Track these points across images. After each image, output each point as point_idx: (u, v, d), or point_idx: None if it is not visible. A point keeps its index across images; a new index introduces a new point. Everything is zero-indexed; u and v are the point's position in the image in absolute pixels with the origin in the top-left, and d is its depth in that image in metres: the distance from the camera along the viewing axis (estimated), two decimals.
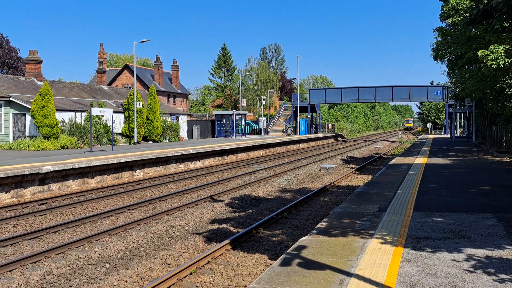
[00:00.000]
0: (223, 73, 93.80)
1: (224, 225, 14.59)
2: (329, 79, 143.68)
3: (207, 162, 34.36)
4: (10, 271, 10.13)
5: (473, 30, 26.96)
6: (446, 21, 30.02)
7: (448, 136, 65.87)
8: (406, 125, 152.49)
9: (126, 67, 66.90)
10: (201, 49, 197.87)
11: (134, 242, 12.56)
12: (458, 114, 67.74)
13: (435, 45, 32.18)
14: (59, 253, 11.43)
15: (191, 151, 31.60)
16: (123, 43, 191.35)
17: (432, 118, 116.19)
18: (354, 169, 29.97)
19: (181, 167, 30.85)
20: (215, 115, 62.07)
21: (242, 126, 61.80)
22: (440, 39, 32.29)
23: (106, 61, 53.84)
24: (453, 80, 41.34)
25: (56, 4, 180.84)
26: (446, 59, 33.90)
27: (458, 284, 6.86)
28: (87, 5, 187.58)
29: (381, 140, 76.70)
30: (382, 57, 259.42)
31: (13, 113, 35.02)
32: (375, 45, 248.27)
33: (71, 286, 9.42)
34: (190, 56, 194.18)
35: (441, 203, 13.47)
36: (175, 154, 29.74)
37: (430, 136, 76.91)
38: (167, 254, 11.51)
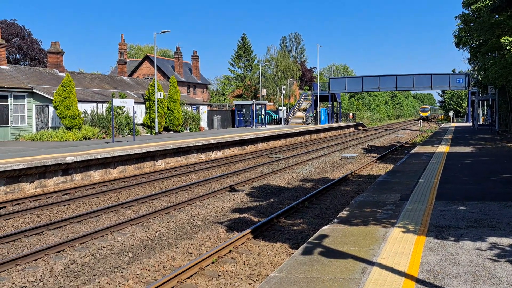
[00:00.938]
0: (242, 63, 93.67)
1: (245, 214, 14.64)
2: (350, 68, 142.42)
3: (228, 152, 34.45)
4: (35, 260, 10.32)
5: (497, 16, 26.42)
6: (469, 8, 29.46)
7: (471, 124, 64.96)
8: (422, 114, 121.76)
9: (147, 58, 67.22)
10: (221, 39, 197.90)
11: (156, 232, 12.68)
12: (480, 102, 66.64)
13: (457, 32, 31.65)
14: (83, 243, 11.60)
15: (212, 141, 31.70)
16: (144, 34, 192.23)
17: (454, 106, 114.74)
18: (375, 158, 29.76)
19: (202, 157, 30.99)
20: (235, 105, 62.10)
21: (262, 116, 61.72)
22: (462, 26, 31.74)
23: (126, 52, 54.18)
24: (476, 68, 40.67)
25: None
26: (468, 46, 33.35)
27: (481, 273, 6.78)
28: None
29: (403, 129, 75.95)
30: (403, 45, 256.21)
31: (36, 105, 35.51)
32: (396, 33, 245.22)
33: (94, 275, 9.56)
34: (210, 46, 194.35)
35: (464, 191, 13.31)
36: (196, 144, 29.88)
37: (452, 124, 75.93)
38: (189, 243, 11.60)
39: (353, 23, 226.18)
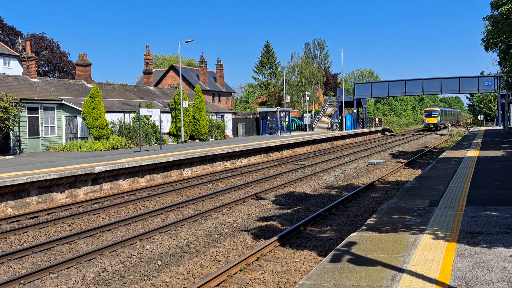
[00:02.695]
0: (266, 70, 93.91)
1: (271, 222, 14.64)
2: (375, 73, 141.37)
3: (253, 159, 34.52)
4: (67, 268, 10.51)
5: None
6: (497, 10, 29.02)
7: (501, 127, 63.69)
8: (427, 120, 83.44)
9: (172, 68, 67.96)
10: (244, 47, 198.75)
11: (184, 239, 12.78)
12: (511, 104, 65.37)
13: (485, 34, 31.17)
14: (113, 251, 11.76)
15: (237, 149, 31.82)
16: (168, 44, 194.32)
17: (484, 109, 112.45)
18: (403, 163, 29.43)
19: (228, 164, 31.12)
20: (260, 112, 62.20)
21: (287, 122, 61.68)
22: (490, 28, 31.25)
23: (152, 63, 54.87)
24: (505, 70, 39.94)
25: (103, 8, 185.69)
26: (497, 48, 32.78)
27: None
28: (132, 8, 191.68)
29: (430, 134, 74.90)
30: (430, 48, 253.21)
31: (65, 116, 36.21)
32: (422, 36, 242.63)
33: (125, 283, 9.68)
34: (234, 55, 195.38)
35: (495, 196, 13.06)
36: (222, 152, 30.03)
37: (482, 128, 74.58)
38: (216, 251, 11.66)
39: (377, 28, 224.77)
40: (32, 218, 16.09)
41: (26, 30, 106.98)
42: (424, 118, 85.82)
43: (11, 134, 31.57)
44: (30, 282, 9.64)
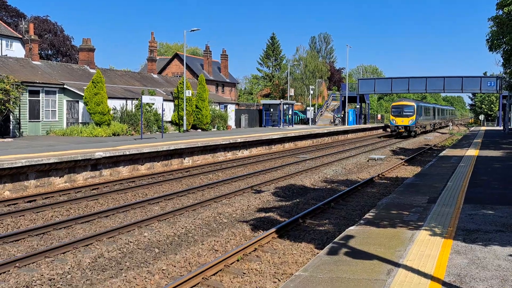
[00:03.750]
0: (271, 62, 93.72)
1: (270, 214, 14.66)
2: (379, 69, 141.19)
3: (255, 151, 34.52)
4: (63, 253, 10.53)
5: None
6: (502, 10, 28.87)
7: (501, 128, 63.60)
8: (396, 121, 55.71)
9: (176, 56, 67.82)
10: (250, 38, 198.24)
11: (182, 228, 12.81)
12: None
13: (490, 35, 31.03)
14: (110, 237, 11.79)
15: (239, 140, 31.81)
16: (174, 32, 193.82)
17: (485, 109, 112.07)
18: (403, 160, 29.43)
19: (229, 155, 31.13)
20: (263, 104, 62.15)
21: (290, 115, 61.65)
22: (495, 28, 31.11)
23: (156, 50, 54.74)
24: (508, 71, 39.81)
25: None
26: (501, 49, 32.64)
27: (509, 278, 6.67)
28: None
29: (431, 132, 74.81)
30: (434, 46, 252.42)
31: (67, 100, 36.21)
32: (427, 34, 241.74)
33: (121, 269, 9.71)
34: (239, 45, 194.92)
35: (493, 195, 13.07)
36: (223, 143, 30.03)
37: (482, 128, 74.49)
38: (214, 241, 11.68)
39: (383, 25, 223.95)
40: (30, 201, 16.12)
41: (30, 12, 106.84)
42: (391, 117, 56.23)
43: (11, 117, 31.58)
44: (25, 265, 9.67)
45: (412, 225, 9.80)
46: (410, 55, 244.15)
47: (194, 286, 8.72)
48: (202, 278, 8.95)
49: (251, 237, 12.14)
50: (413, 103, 56.78)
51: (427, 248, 8.08)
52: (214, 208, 15.26)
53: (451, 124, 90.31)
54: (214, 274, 9.30)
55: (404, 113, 54.81)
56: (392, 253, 7.85)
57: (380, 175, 22.82)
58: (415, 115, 54.68)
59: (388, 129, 60.59)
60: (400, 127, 54.41)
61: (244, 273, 9.48)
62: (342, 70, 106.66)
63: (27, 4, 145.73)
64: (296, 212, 14.73)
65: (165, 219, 13.69)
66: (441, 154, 27.44)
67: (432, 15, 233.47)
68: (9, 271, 9.32)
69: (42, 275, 9.13)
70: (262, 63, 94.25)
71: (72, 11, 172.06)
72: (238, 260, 10.14)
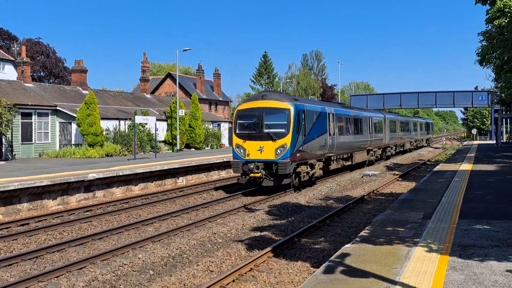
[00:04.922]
0: (264, 80, 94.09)
1: (265, 233, 14.58)
2: (371, 85, 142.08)
3: None
4: (56, 277, 10.40)
5: None
6: (491, 24, 29.23)
7: (494, 142, 63.95)
8: (245, 148, 21.10)
9: (169, 76, 67.97)
10: (242, 57, 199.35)
11: (177, 249, 12.70)
12: (504, 119, 65.69)
13: (480, 50, 31.37)
14: (104, 260, 11.67)
15: None
16: (166, 52, 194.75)
17: (478, 124, 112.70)
18: (398, 176, 29.46)
19: (223, 174, 31.04)
20: None
21: None
22: (485, 43, 31.48)
23: (149, 70, 54.87)
24: (499, 85, 40.20)
25: (101, 15, 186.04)
26: (492, 64, 32.98)
27: None
28: (130, 15, 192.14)
29: (424, 146, 75.07)
30: (425, 62, 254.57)
31: (59, 122, 36.10)
32: (418, 50, 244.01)
33: None
34: (231, 64, 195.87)
35: (488, 210, 13.08)
36: (217, 161, 29.96)
37: (475, 142, 74.85)
38: (209, 261, 11.58)
39: (374, 41, 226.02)
40: (23, 225, 15.97)
41: (22, 35, 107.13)
42: (235, 139, 22.09)
43: (3, 140, 31.41)
44: None
45: (408, 241, 9.76)
46: (401, 71, 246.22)
47: None
48: None
49: (246, 256, 12.05)
50: (287, 105, 21.76)
51: (423, 265, 8.04)
52: (209, 228, 15.16)
53: (444, 138, 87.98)
54: None
55: (264, 130, 21.56)
56: (388, 270, 7.80)
57: (375, 191, 22.80)
58: (290, 135, 21.28)
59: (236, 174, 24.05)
60: (252, 169, 21.22)
61: None
62: (335, 87, 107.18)
63: (19, 27, 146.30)
64: (291, 231, 14.65)
65: (159, 240, 13.58)
66: (435, 169, 27.50)
67: (423, 31, 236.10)
68: None
69: None
70: (255, 81, 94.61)
71: (64, 33, 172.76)
72: (233, 281, 10.05)
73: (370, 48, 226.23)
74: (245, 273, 10.53)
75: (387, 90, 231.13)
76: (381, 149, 41.26)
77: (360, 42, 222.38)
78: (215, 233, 14.48)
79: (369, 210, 18.17)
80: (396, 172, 32.53)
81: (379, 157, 40.36)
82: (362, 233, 10.81)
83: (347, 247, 9.52)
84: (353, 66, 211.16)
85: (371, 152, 36.52)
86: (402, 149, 51.45)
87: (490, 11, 29.08)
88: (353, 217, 16.80)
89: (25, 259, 11.68)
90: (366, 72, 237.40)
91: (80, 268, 10.97)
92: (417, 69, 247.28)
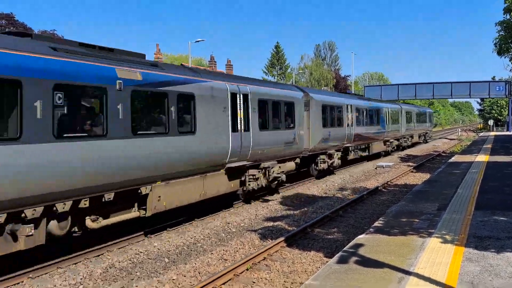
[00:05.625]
0: (276, 71, 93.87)
1: (278, 223, 14.64)
2: (385, 76, 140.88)
3: None
4: (75, 264, 10.58)
5: None
6: (509, 13, 28.87)
7: (511, 133, 63.31)
8: None
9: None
10: (254, 47, 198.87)
11: (191, 238, 12.81)
12: None
13: (497, 40, 31.00)
14: (121, 247, 11.82)
15: None
16: (178, 43, 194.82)
17: (495, 114, 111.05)
18: (412, 167, 29.33)
19: None
20: None
21: None
22: (503, 33, 31.09)
23: (162, 61, 55.07)
24: None
25: (114, 6, 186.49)
26: (510, 53, 32.58)
27: None
28: (142, 6, 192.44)
29: (440, 138, 74.54)
30: (441, 52, 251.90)
31: None
32: (433, 40, 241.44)
33: (132, 279, 9.73)
34: (243, 55, 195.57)
35: (504, 202, 12.99)
36: None
37: (492, 133, 74.13)
38: (223, 250, 11.68)
39: (388, 30, 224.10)
40: None
41: (37, 27, 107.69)
42: None
43: None
44: (38, 277, 9.71)
45: (422, 232, 9.76)
46: (416, 62, 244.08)
47: None
48: (212, 287, 8.95)
49: (260, 246, 12.13)
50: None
51: (438, 256, 8.04)
52: (223, 218, 15.26)
53: (459, 130, 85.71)
54: (224, 284, 9.30)
55: None
56: (402, 261, 7.82)
57: (389, 182, 22.75)
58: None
59: None
60: None
61: (253, 282, 9.47)
62: (348, 78, 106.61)
63: (34, 19, 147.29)
64: (304, 221, 14.70)
65: (174, 229, 13.71)
66: (450, 160, 27.33)
67: (439, 21, 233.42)
68: (22, 281, 9.37)
69: (55, 286, 9.19)
70: (267, 72, 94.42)
71: (78, 24, 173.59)
72: (247, 269, 10.14)
73: (384, 38, 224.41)
74: (259, 262, 10.61)
75: (402, 80, 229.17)
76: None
77: (374, 32, 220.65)
78: (228, 223, 14.58)
79: (383, 201, 18.14)
80: (411, 164, 32.39)
81: (395, 148, 40.45)
82: (376, 224, 10.83)
83: (360, 238, 9.55)
84: (367, 56, 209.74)
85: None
86: (419, 140, 53.12)
87: (507, 1, 28.70)
88: (366, 208, 16.80)
89: (45, 245, 11.84)
90: (380, 63, 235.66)
91: (98, 255, 11.14)
92: (432, 60, 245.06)
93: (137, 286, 9.19)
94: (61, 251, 10.88)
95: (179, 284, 9.44)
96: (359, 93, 74.32)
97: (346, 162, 28.20)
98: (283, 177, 18.53)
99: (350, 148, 27.92)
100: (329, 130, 24.05)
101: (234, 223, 14.63)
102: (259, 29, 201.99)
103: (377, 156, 34.85)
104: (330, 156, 24.61)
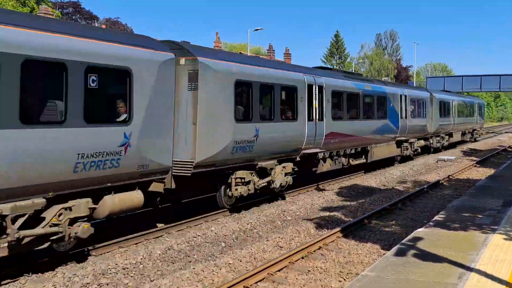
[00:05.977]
0: (335, 60, 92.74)
1: (334, 213, 14.56)
2: (449, 67, 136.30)
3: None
4: (135, 244, 10.96)
5: None
6: None
7: None
8: None
9: None
10: (313, 36, 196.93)
11: (247, 224, 12.97)
12: None
13: None
14: (179, 230, 12.14)
15: None
16: (237, 32, 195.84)
17: None
18: (475, 162, 28.35)
19: None
20: None
21: None
22: None
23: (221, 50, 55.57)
24: None
25: None
26: None
27: None
28: None
29: (506, 132, 71.53)
30: (509, 41, 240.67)
31: None
32: (501, 29, 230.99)
33: (190, 262, 9.98)
34: (302, 44, 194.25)
35: None
36: None
37: None
38: (279, 237, 11.75)
39: (453, 19, 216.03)
40: None
41: (102, 14, 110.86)
42: None
43: None
44: (100, 254, 10.13)
45: (485, 228, 9.46)
46: (482, 52, 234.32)
47: (260, 281, 8.83)
48: (268, 274, 9.05)
49: (315, 235, 12.13)
50: None
51: (501, 253, 7.79)
52: (278, 206, 15.34)
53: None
54: (279, 270, 9.38)
55: None
56: (463, 257, 7.62)
57: (450, 177, 22.10)
58: None
59: None
60: None
61: (309, 270, 9.50)
62: (410, 68, 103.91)
63: (99, 7, 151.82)
64: (362, 212, 14.56)
65: (230, 215, 13.91)
66: None
67: (503, 7, 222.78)
68: (86, 258, 9.82)
69: (117, 264, 9.54)
70: (325, 61, 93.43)
71: (141, 12, 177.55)
72: (302, 258, 10.17)
73: (448, 27, 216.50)
74: (314, 251, 10.62)
75: (466, 72, 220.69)
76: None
77: (438, 21, 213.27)
78: (284, 211, 14.64)
79: (444, 195, 17.66)
80: (474, 158, 31.30)
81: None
82: (436, 218, 10.60)
83: (419, 231, 9.38)
84: (429, 46, 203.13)
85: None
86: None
87: None
88: (426, 202, 16.42)
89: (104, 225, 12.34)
90: (444, 53, 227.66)
91: (157, 237, 11.48)
92: (500, 50, 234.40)
93: (194, 268, 9.41)
94: (123, 231, 11.30)
95: (235, 268, 9.60)
96: (421, 85, 72.35)
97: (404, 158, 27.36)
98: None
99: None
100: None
101: (289, 211, 14.67)
102: (318, 17, 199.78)
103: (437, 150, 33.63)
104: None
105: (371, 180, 20.96)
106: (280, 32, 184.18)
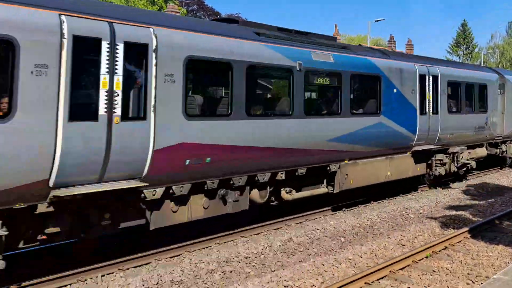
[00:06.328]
0: (462, 51, 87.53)
1: (461, 212, 13.81)
2: None
3: None
4: (256, 234, 11.26)
5: None
6: None
7: None
8: None
9: None
10: (436, 26, 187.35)
11: (367, 220, 12.74)
12: None
13: None
14: (298, 223, 12.25)
15: None
16: (356, 24, 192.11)
17: None
18: None
19: None
20: None
21: None
22: None
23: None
24: None
25: None
26: None
27: None
28: None
29: None
30: None
31: None
32: None
33: (309, 255, 10.02)
34: (425, 34, 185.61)
35: None
36: None
37: None
38: (401, 235, 11.40)
39: None
40: None
41: (224, 10, 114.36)
42: None
43: None
44: (224, 243, 10.54)
45: None
46: None
47: (381, 278, 8.64)
48: (390, 271, 8.82)
49: (440, 234, 11.60)
50: None
51: None
52: (400, 202, 14.90)
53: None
54: (401, 269, 9.10)
55: None
56: None
57: None
58: None
59: None
60: None
61: (433, 271, 9.11)
62: None
63: (220, 3, 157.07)
64: (492, 213, 13.66)
65: (350, 210, 13.76)
66: None
67: None
68: (210, 246, 10.29)
69: (239, 252, 9.88)
70: (451, 51, 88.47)
71: (261, 7, 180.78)
72: (427, 257, 9.79)
73: None
74: (439, 251, 10.16)
75: None
76: None
77: None
78: (406, 208, 14.18)
79: None
80: None
81: None
82: None
83: None
84: None
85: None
86: None
87: None
88: None
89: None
90: None
91: (277, 229, 11.69)
92: None
93: (314, 261, 9.43)
94: (241, 221, 11.64)
95: (355, 264, 9.47)
96: None
97: None
98: (473, 163, 17.59)
99: None
100: None
101: (412, 209, 14.18)
102: (443, 6, 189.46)
103: None
104: None
105: (503, 178, 19.58)
106: (400, 23, 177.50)
